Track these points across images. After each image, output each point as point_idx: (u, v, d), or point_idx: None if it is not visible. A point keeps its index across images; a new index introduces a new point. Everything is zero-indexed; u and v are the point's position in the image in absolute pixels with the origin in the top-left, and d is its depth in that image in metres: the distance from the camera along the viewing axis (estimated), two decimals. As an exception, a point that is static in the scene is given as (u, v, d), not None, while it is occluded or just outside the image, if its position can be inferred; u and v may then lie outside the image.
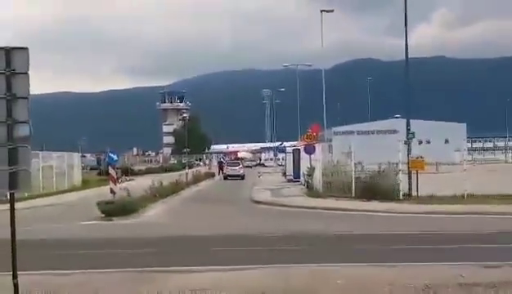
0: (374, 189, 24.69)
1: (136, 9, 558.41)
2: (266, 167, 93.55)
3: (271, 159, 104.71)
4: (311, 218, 20.08)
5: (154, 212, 22.75)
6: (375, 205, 22.78)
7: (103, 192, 26.72)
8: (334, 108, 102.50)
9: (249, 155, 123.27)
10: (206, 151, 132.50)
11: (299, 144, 42.53)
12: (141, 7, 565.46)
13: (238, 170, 55.06)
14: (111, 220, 20.09)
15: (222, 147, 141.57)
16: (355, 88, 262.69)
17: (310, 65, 57.31)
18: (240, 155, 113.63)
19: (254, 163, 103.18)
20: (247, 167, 73.82)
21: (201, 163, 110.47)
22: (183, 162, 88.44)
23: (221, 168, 64.45)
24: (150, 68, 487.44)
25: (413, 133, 26.73)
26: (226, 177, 53.86)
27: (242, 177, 53.27)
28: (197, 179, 45.30)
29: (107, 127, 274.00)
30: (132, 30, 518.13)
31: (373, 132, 66.52)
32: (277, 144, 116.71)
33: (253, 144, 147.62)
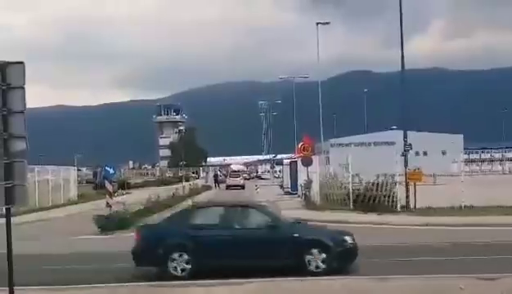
0: (371, 201, 24.64)
1: (135, 22, 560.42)
2: (263, 179, 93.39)
3: (267, 172, 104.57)
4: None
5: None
6: (372, 217, 22.72)
7: (99, 206, 26.58)
8: (331, 119, 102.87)
9: (242, 168, 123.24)
10: (202, 164, 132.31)
11: (295, 156, 42.56)
12: (139, 20, 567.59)
13: (239, 181, 59.66)
14: (107, 235, 19.98)
15: (219, 160, 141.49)
16: (352, 100, 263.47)
17: (306, 77, 57.43)
18: (234, 168, 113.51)
19: (248, 176, 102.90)
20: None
21: (197, 176, 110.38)
22: (180, 174, 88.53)
23: (216, 181, 64.79)
24: (147, 81, 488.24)
25: (410, 145, 26.77)
26: (228, 187, 57.73)
27: (242, 187, 57.43)
28: (194, 192, 45.19)
29: (104, 140, 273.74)
30: (130, 43, 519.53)
31: (370, 144, 66.48)
32: (271, 156, 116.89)
33: (249, 157, 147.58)
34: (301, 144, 33.48)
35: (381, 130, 76.46)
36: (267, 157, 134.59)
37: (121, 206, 23.14)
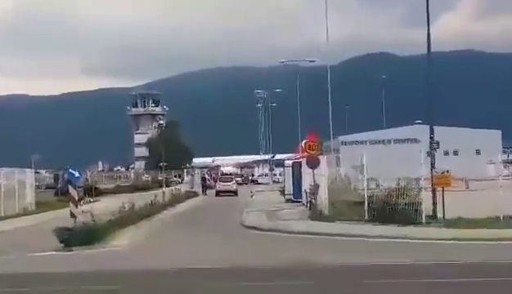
0: (391, 210, 24.73)
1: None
2: (259, 184, 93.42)
3: (265, 175, 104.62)
4: (314, 246, 20.07)
5: (124, 241, 22.68)
6: (391, 230, 22.81)
7: (62, 216, 26.58)
8: (342, 112, 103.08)
9: (234, 170, 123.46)
10: (187, 165, 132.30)
11: (298, 156, 42.63)
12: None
13: (231, 185, 59.91)
14: (71, 251, 20.03)
15: (207, 161, 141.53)
16: (367, 88, 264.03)
17: (313, 61, 57.23)
18: (225, 171, 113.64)
19: (241, 180, 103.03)
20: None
21: (180, 180, 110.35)
22: (159, 178, 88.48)
23: (204, 186, 64.85)
24: (118, 66, 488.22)
25: (437, 142, 26.83)
26: (217, 193, 58.20)
27: (235, 193, 57.74)
28: (177, 199, 45.22)
29: (67, 137, 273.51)
30: (97, 22, 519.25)
31: (389, 142, 66.72)
32: (269, 156, 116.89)
33: (243, 157, 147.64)
34: (305, 141, 33.56)
35: (402, 124, 76.69)
36: (266, 157, 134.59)
37: (88, 216, 23.12)
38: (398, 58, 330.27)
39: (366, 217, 25.57)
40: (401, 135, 65.90)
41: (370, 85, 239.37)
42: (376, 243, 20.27)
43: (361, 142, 64.28)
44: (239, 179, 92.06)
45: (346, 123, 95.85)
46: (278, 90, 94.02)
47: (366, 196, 26.13)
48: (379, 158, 31.80)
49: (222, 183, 61.33)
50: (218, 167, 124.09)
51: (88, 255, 19.45)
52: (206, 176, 72.70)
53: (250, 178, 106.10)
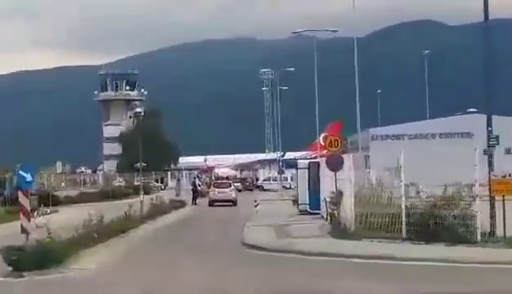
0: (435, 225, 24.67)
1: None
2: (265, 190, 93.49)
3: (273, 179, 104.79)
4: (339, 273, 20.02)
5: (89, 264, 22.63)
6: (437, 250, 22.75)
7: (10, 232, 26.54)
8: (373, 98, 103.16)
9: (233, 173, 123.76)
10: (172, 167, 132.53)
11: (314, 154, 42.63)
12: None
13: (229, 193, 60.26)
14: (22, 277, 19.98)
15: (198, 160, 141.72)
16: (404, 67, 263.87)
17: (335, 31, 56.81)
18: (222, 174, 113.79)
19: (242, 185, 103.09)
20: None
21: (163, 186, 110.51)
22: (136, 183, 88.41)
23: (195, 192, 64.91)
24: (82, 37, 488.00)
25: (497, 137, 26.70)
26: (212, 203, 58.71)
27: (234, 203, 58.49)
28: (158, 210, 45.20)
29: (16, 129, 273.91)
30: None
31: (434, 136, 66.46)
32: (277, 155, 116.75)
33: (244, 156, 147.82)
34: (324, 135, 33.52)
35: (451, 114, 76.55)
36: (273, 156, 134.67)
37: (44, 232, 23.04)
38: (445, 28, 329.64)
39: (404, 234, 25.53)
40: (450, 128, 65.59)
41: (408, 63, 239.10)
42: (418, 268, 20.21)
43: (398, 137, 64.00)
44: (238, 184, 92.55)
45: (378, 113, 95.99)
46: (290, 69, 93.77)
47: (403, 207, 26.04)
48: (421, 158, 31.82)
49: (217, 189, 61.34)
50: (212, 168, 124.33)
51: (43, 282, 19.39)
52: (197, 181, 72.74)
53: (255, 183, 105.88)
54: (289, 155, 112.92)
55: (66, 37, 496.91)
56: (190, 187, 70.13)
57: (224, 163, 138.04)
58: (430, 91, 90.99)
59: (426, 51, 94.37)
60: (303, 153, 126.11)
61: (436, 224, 24.72)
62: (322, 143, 55.21)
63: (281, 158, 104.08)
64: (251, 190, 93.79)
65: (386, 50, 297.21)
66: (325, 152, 55.54)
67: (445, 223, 24.59)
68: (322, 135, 64.78)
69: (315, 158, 77.78)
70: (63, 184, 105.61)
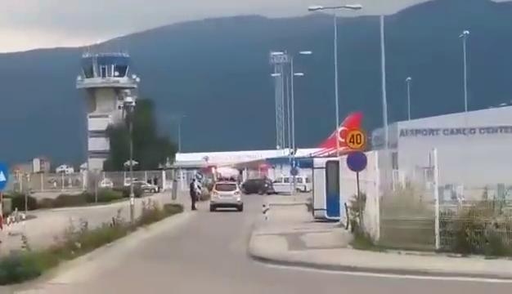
0: (474, 235, 24.67)
1: None
2: (275, 193, 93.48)
3: (285, 181, 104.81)
4: (362, 290, 20.00)
5: (71, 277, 22.72)
6: (476, 264, 22.77)
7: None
8: (402, 87, 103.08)
9: (234, 173, 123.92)
10: (168, 166, 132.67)
11: (326, 151, 42.60)
12: None
13: (233, 196, 60.99)
14: (-6, 292, 20.09)
15: (197, 158, 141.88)
16: (439, 51, 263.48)
17: (358, 9, 56.74)
18: (225, 174, 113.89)
19: (250, 185, 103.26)
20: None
21: (157, 188, 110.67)
22: (126, 185, 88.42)
23: (193, 195, 65.03)
24: (59, 17, 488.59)
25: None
26: (214, 207, 59.65)
27: (239, 208, 59.51)
28: (151, 216, 45.24)
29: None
30: None
31: (473, 131, 66.42)
32: (286, 152, 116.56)
33: (250, 153, 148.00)
34: (342, 129, 33.53)
35: (494, 105, 76.48)
36: (281, 153, 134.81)
37: (18, 240, 23.09)
38: (489, 4, 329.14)
39: (437, 245, 25.52)
40: (492, 122, 65.59)
41: (443, 46, 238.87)
42: (453, 285, 20.20)
43: (430, 132, 64.01)
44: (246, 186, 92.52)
45: (408, 103, 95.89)
46: (306, 52, 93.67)
47: (436, 213, 26.00)
48: (458, 156, 31.73)
49: (219, 192, 61.65)
50: (210, 168, 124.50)
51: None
52: (196, 183, 72.85)
53: (268, 185, 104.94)
54: (302, 152, 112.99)
55: (41, 14, 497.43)
56: (189, 189, 70.07)
57: (227, 161, 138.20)
58: (469, 78, 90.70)
59: (465, 32, 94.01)
60: (317, 150, 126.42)
61: (474, 233, 24.70)
62: (340, 138, 55.20)
63: (293, 156, 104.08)
64: (262, 194, 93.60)
65: (418, 30, 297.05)
66: (341, 149, 55.66)
67: (485, 232, 24.57)
68: (339, 129, 64.78)
69: (331, 155, 77.95)
70: (41, 185, 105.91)
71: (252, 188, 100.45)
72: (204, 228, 44.52)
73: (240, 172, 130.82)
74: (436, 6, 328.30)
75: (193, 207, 62.37)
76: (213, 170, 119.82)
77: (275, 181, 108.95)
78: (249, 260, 27.16)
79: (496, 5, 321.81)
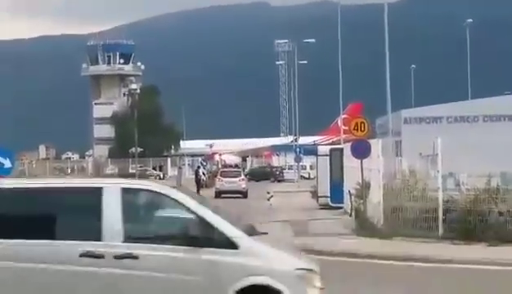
0: (477, 222, 24.75)
1: None
2: (279, 181, 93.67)
3: (289, 168, 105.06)
4: (366, 276, 20.10)
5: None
6: (479, 251, 22.86)
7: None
8: (406, 74, 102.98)
9: (236, 160, 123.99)
10: (173, 153, 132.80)
11: (327, 139, 42.64)
12: None
13: (238, 183, 61.47)
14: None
15: (201, 145, 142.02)
16: (443, 39, 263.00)
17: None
18: (229, 161, 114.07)
19: (261, 172, 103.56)
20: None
21: (162, 174, 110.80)
22: (131, 171, 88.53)
23: (198, 181, 65.12)
24: (65, 4, 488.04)
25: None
26: (219, 194, 59.85)
27: (244, 194, 59.90)
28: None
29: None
30: None
31: (476, 119, 66.19)
32: (288, 139, 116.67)
33: (254, 141, 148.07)
34: (343, 117, 33.52)
35: (498, 93, 76.38)
36: (283, 140, 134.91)
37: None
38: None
39: (440, 233, 25.59)
40: (496, 110, 65.17)
41: (447, 34, 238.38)
42: (456, 271, 20.27)
43: (434, 119, 63.67)
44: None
45: (411, 92, 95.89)
46: (309, 40, 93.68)
47: (440, 201, 26.04)
48: (462, 144, 31.70)
49: (225, 179, 61.94)
50: (218, 154, 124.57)
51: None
52: (201, 170, 73.01)
53: (279, 172, 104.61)
54: (304, 140, 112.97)
55: (45, 1, 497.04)
56: (194, 175, 70.23)
57: (231, 148, 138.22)
58: (473, 66, 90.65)
59: (468, 20, 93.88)
60: (319, 138, 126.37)
61: (478, 221, 24.76)
62: (347, 126, 55.27)
63: (295, 143, 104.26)
64: (273, 180, 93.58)
65: (422, 18, 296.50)
66: (344, 136, 55.64)
67: (488, 220, 24.65)
68: (342, 116, 64.99)
69: (334, 143, 77.96)
70: (47, 171, 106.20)
71: (262, 175, 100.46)
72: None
73: (244, 159, 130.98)
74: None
75: (197, 193, 62.57)
76: (217, 157, 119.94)
77: (281, 168, 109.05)
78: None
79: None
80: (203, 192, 65.11)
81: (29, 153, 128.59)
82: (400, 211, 27.31)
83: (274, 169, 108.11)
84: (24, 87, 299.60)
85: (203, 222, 11.13)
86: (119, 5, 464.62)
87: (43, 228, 11.37)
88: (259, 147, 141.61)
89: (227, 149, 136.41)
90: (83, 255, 11.03)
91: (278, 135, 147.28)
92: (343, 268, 21.62)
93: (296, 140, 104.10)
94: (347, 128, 58.43)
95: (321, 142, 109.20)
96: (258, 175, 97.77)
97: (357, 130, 32.23)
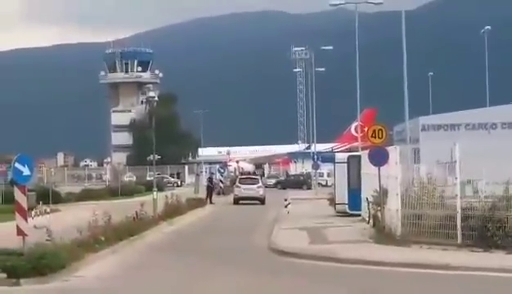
0: (496, 230, 24.61)
1: None
2: (296, 187, 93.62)
3: (305, 174, 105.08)
4: (384, 284, 20.03)
5: (95, 271, 22.84)
6: (498, 259, 22.75)
7: (5, 234, 26.75)
8: (424, 82, 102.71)
9: (249, 167, 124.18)
10: (190, 160, 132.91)
11: (340, 145, 42.55)
12: None
13: (256, 190, 62.51)
14: (19, 285, 20.18)
15: (219, 152, 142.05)
16: (461, 45, 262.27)
17: (380, 4, 56.89)
18: (246, 168, 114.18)
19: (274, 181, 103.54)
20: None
21: (179, 182, 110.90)
22: (148, 179, 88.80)
23: (210, 190, 65.02)
24: (83, 13, 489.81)
25: None
26: (237, 201, 61.29)
27: (262, 201, 60.80)
28: (174, 210, 45.35)
29: (13, 116, 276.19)
30: None
31: (495, 126, 66.04)
32: (301, 146, 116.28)
33: (271, 148, 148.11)
34: (356, 124, 33.41)
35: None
36: (295, 148, 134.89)
37: (43, 233, 23.16)
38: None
39: (459, 240, 25.49)
40: (515, 117, 65.12)
41: (465, 41, 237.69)
42: (475, 279, 20.17)
43: (452, 127, 63.59)
44: (272, 181, 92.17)
45: (429, 99, 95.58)
46: (327, 47, 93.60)
47: (458, 208, 25.93)
48: (480, 151, 31.60)
49: (243, 186, 62.37)
50: (234, 161, 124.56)
51: (41, 290, 19.56)
52: (214, 176, 73.12)
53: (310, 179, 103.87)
54: (318, 147, 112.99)
55: (65, 10, 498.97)
56: (206, 183, 69.88)
57: (244, 156, 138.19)
58: (491, 73, 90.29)
59: (487, 27, 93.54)
60: (332, 145, 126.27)
61: (496, 228, 24.63)
62: (354, 133, 55.23)
63: (309, 150, 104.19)
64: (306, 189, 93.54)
65: (439, 25, 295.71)
66: (358, 143, 55.44)
67: (507, 227, 24.52)
68: (354, 124, 64.92)
69: (350, 150, 77.82)
70: (65, 178, 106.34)
71: (295, 183, 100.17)
72: (226, 222, 44.60)
73: (258, 166, 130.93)
74: (457, 0, 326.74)
75: (210, 201, 62.35)
76: (234, 164, 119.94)
77: (298, 175, 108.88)
78: (271, 254, 27.20)
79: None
80: (219, 199, 65.09)
81: (48, 161, 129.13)
82: (418, 218, 27.21)
83: (307, 177, 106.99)
84: (43, 95, 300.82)
85: None
86: (134, 13, 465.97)
87: None
88: (274, 154, 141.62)
89: (240, 156, 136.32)
90: None
91: (296, 143, 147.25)
92: (361, 276, 21.57)
93: (309, 147, 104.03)
94: (361, 135, 58.40)
95: (338, 149, 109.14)
96: (292, 183, 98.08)
97: (375, 137, 32.10)
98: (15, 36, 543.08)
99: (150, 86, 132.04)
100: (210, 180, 68.65)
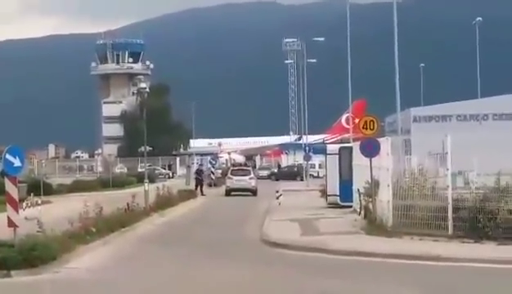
0: (487, 221, 24.63)
1: None
2: (289, 179, 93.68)
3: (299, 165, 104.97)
4: (375, 275, 20.08)
5: (86, 262, 22.85)
6: (489, 250, 22.78)
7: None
8: (415, 73, 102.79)
9: (240, 158, 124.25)
10: (182, 152, 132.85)
11: (330, 137, 42.55)
12: None
13: (248, 181, 62.53)
14: (9, 277, 20.22)
15: (211, 144, 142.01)
16: (452, 37, 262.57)
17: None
18: (239, 160, 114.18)
19: (268, 173, 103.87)
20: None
21: (171, 173, 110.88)
22: (140, 170, 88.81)
23: (200, 181, 64.79)
24: (74, 4, 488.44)
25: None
26: (229, 192, 61.38)
27: (254, 192, 60.95)
28: (166, 202, 45.36)
29: (3, 107, 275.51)
30: None
31: (486, 117, 66.12)
32: (292, 138, 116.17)
33: (262, 140, 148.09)
34: (346, 115, 33.44)
35: (507, 91, 76.07)
36: (285, 139, 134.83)
37: (34, 225, 23.13)
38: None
39: (450, 231, 25.52)
40: (505, 108, 65.18)
41: (456, 33, 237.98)
42: (465, 270, 20.20)
43: (444, 118, 63.68)
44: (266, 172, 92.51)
45: (421, 90, 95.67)
46: (318, 39, 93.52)
47: (449, 199, 25.97)
48: (471, 142, 31.64)
49: (235, 177, 62.35)
50: (225, 153, 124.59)
51: (32, 283, 19.56)
52: (204, 167, 73.09)
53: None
54: (308, 139, 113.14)
55: (56, 1, 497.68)
56: (195, 175, 69.70)
57: (238, 147, 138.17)
58: (482, 65, 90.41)
59: (478, 18, 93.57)
60: (323, 136, 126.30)
61: (487, 219, 24.66)
62: (345, 125, 55.29)
63: (299, 142, 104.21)
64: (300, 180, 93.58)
65: (431, 16, 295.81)
66: (348, 135, 55.49)
67: (498, 218, 24.54)
68: (344, 116, 64.99)
69: (340, 141, 77.73)
70: (56, 170, 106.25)
71: (288, 174, 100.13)
72: (218, 213, 44.61)
73: (249, 158, 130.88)
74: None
75: (200, 191, 62.29)
76: (226, 156, 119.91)
77: (291, 166, 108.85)
78: (263, 246, 27.23)
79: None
80: (211, 191, 65.09)
81: (39, 152, 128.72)
82: (409, 209, 27.24)
83: (301, 168, 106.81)
84: (34, 86, 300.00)
85: None
86: (129, 3, 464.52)
87: None
88: (265, 146, 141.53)
89: (232, 147, 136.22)
90: None
91: (288, 134, 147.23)
92: (353, 267, 21.60)
93: (300, 138, 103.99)
94: (352, 126, 58.40)
95: (330, 140, 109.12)
96: (286, 175, 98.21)
97: (366, 128, 32.13)
98: (14, 27, 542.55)
99: (142, 77, 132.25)
100: (199, 172, 68.38)
